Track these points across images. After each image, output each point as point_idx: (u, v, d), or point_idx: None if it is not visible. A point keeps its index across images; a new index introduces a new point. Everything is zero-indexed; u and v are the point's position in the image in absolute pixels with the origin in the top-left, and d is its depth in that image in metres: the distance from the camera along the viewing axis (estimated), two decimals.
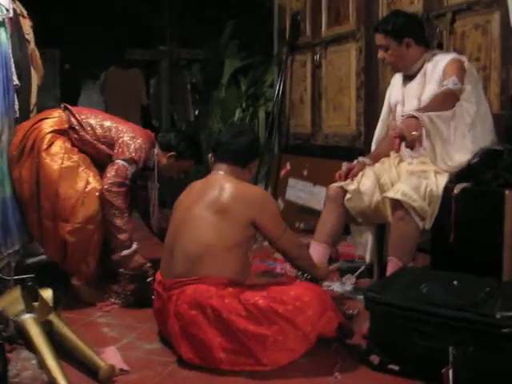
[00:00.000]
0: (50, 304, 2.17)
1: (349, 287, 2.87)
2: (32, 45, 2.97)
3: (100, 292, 2.72)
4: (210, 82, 6.71)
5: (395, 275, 2.16)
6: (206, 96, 7.05)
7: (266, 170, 4.71)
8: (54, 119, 2.70)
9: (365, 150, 3.83)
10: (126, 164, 2.62)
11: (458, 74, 2.39)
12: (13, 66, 2.68)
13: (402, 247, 2.35)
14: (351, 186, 2.60)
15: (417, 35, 2.54)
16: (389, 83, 2.93)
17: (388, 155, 2.80)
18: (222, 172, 2.18)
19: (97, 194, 2.57)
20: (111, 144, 2.70)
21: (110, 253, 2.62)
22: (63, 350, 2.01)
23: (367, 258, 2.99)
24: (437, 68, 2.49)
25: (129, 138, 2.69)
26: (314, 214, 4.24)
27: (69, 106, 2.79)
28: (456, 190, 2.27)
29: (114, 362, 1.97)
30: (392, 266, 2.37)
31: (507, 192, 2.13)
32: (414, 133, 2.16)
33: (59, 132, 2.67)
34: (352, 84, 3.95)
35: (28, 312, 1.99)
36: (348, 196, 2.58)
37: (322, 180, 4.19)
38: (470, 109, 2.40)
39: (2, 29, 2.62)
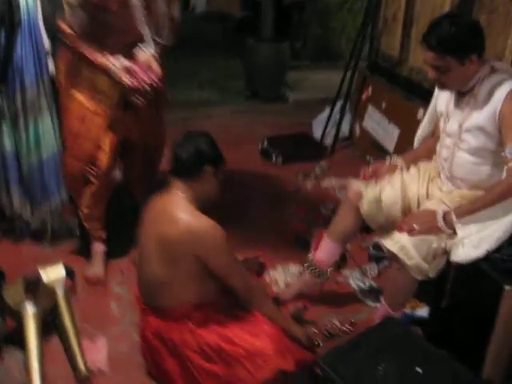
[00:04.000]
0: (61, 282, 2.37)
1: (367, 283, 2.80)
2: None
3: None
4: None
5: (364, 336, 2.03)
6: None
7: (347, 88, 4.32)
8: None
9: None
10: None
11: None
12: (43, 32, 2.62)
13: (394, 296, 2.21)
14: (371, 191, 2.37)
15: (480, 48, 2.02)
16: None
17: (428, 158, 2.45)
18: (179, 193, 2.02)
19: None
20: None
21: None
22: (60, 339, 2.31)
23: None
24: (489, 97, 2.00)
25: None
26: (384, 153, 3.96)
27: None
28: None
29: (96, 359, 2.25)
30: (381, 311, 2.27)
31: (507, 287, 1.83)
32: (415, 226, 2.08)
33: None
34: None
35: (29, 303, 2.23)
36: (364, 204, 2.36)
37: (397, 120, 3.83)
38: None
39: None
